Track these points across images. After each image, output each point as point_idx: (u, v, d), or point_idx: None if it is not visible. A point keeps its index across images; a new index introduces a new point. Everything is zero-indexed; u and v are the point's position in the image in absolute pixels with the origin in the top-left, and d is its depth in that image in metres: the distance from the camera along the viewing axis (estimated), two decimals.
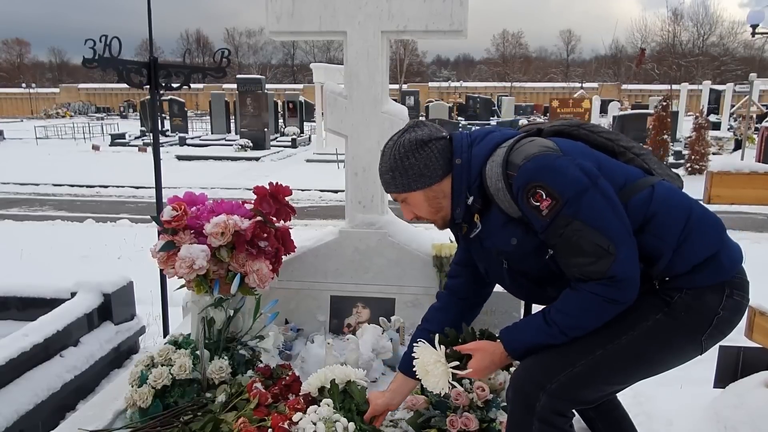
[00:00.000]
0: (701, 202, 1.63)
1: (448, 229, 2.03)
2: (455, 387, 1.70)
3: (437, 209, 1.69)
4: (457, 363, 1.68)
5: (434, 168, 1.62)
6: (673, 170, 1.71)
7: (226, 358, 2.22)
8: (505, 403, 1.97)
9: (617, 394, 1.91)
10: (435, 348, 1.71)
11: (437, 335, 1.76)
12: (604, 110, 24.38)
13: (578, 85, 41.96)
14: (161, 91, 3.39)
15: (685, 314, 1.50)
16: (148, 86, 3.29)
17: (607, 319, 1.51)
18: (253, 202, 2.44)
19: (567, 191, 1.43)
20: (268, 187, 2.45)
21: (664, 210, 1.50)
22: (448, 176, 1.64)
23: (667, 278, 1.53)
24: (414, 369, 1.75)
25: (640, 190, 1.52)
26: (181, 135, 20.55)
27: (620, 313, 1.53)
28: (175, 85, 3.39)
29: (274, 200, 2.44)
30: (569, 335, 1.52)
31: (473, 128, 1.94)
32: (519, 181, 1.49)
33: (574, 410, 1.61)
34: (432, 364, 1.68)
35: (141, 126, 22.55)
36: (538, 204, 1.46)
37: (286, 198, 2.49)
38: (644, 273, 1.50)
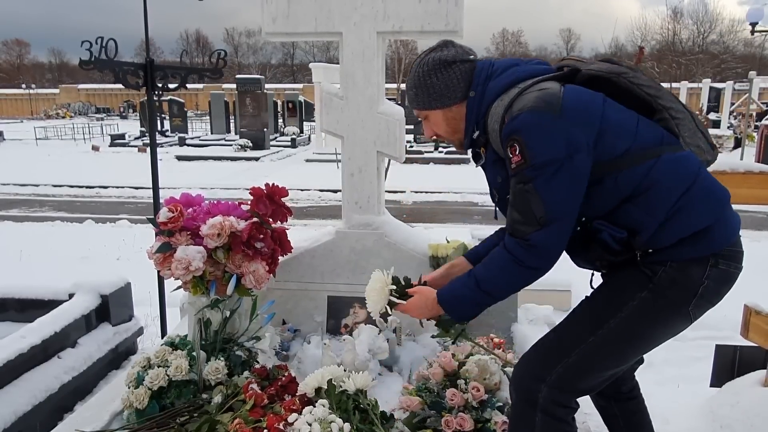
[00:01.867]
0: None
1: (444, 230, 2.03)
2: (389, 314, 1.83)
3: (455, 130, 1.73)
4: (394, 288, 1.81)
5: (455, 90, 1.65)
6: (711, 141, 1.64)
7: (222, 359, 2.22)
8: (500, 404, 1.98)
9: (644, 400, 1.92)
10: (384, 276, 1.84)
11: (390, 274, 1.85)
12: None
13: None
14: (159, 92, 3.39)
15: (671, 289, 1.51)
16: (144, 87, 3.30)
17: (516, 283, 1.59)
18: (249, 203, 2.45)
19: (536, 157, 1.46)
20: (264, 188, 2.46)
21: (658, 185, 1.49)
22: (467, 101, 1.67)
23: (650, 250, 1.52)
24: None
25: (642, 160, 1.50)
26: (181, 135, 20.56)
27: (606, 294, 1.58)
28: (172, 86, 3.40)
29: (270, 201, 2.45)
30: (482, 288, 1.59)
31: None
32: (505, 130, 1.53)
33: (578, 402, 1.62)
34: (376, 285, 1.82)
35: (141, 126, 22.54)
36: (511, 156, 1.51)
37: (283, 199, 2.50)
38: (627, 242, 1.51)
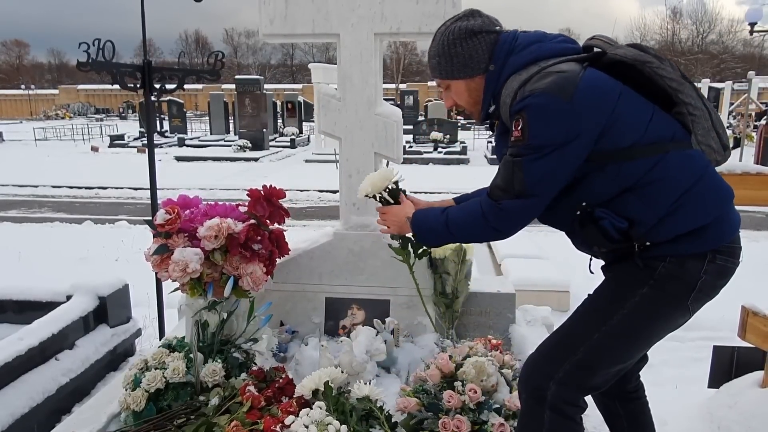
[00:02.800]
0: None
1: None
2: (370, 198, 2.08)
3: (476, 101, 1.73)
4: (393, 187, 2.04)
5: (478, 60, 1.65)
6: (725, 142, 1.62)
7: (219, 361, 2.22)
8: (497, 406, 1.98)
9: (648, 402, 1.93)
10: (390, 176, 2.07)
11: (397, 179, 2.07)
12: None
13: None
14: (157, 94, 3.39)
15: (670, 284, 1.53)
16: (142, 89, 3.30)
17: (478, 235, 1.72)
18: (247, 204, 2.45)
19: (534, 138, 1.49)
20: (262, 189, 2.46)
21: (663, 180, 1.49)
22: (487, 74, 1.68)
23: (648, 243, 1.53)
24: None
25: (651, 153, 1.50)
26: (180, 136, 20.56)
27: (608, 291, 1.62)
28: (169, 87, 3.39)
29: (267, 203, 2.45)
30: (449, 228, 1.72)
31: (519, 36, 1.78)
32: (515, 106, 1.55)
33: (586, 401, 1.63)
34: (381, 174, 2.06)
35: (140, 127, 22.56)
36: (513, 129, 1.55)
37: (281, 200, 2.49)
38: (625, 232, 1.52)
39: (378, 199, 2.05)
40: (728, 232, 1.54)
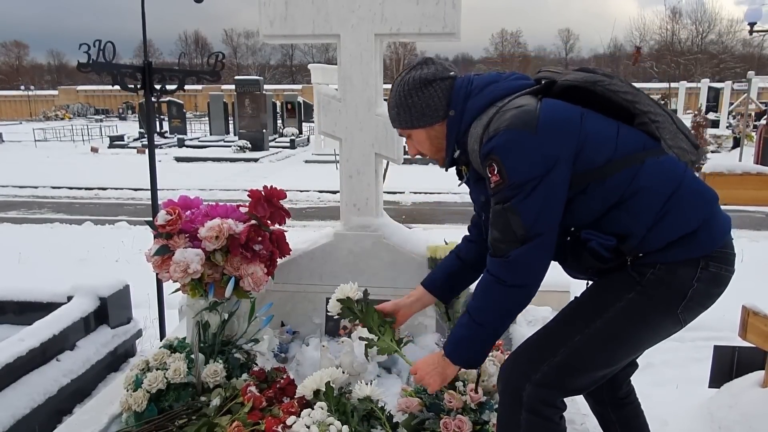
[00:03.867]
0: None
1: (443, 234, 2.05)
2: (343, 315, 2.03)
3: (438, 148, 1.73)
4: (360, 296, 1.99)
5: (436, 108, 1.65)
6: (694, 141, 1.63)
7: (220, 361, 2.22)
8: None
9: (640, 403, 1.91)
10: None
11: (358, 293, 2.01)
12: None
13: None
14: (157, 95, 3.39)
15: (658, 290, 1.50)
16: (142, 90, 3.30)
17: (505, 306, 1.56)
18: (247, 205, 2.45)
19: (514, 176, 1.46)
20: (262, 190, 2.46)
21: (645, 190, 1.49)
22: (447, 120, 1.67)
23: (640, 254, 1.52)
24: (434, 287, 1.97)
25: (627, 166, 1.50)
26: (180, 136, 20.56)
27: (595, 294, 1.59)
28: (170, 88, 3.40)
29: (268, 203, 2.45)
30: (475, 320, 1.58)
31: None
32: (483, 150, 1.53)
33: (565, 402, 1.61)
34: (344, 287, 2.02)
35: (140, 128, 22.54)
36: (490, 176, 1.52)
37: (282, 200, 2.50)
38: (616, 249, 1.51)
39: (350, 310, 2.01)
40: (719, 235, 1.53)
